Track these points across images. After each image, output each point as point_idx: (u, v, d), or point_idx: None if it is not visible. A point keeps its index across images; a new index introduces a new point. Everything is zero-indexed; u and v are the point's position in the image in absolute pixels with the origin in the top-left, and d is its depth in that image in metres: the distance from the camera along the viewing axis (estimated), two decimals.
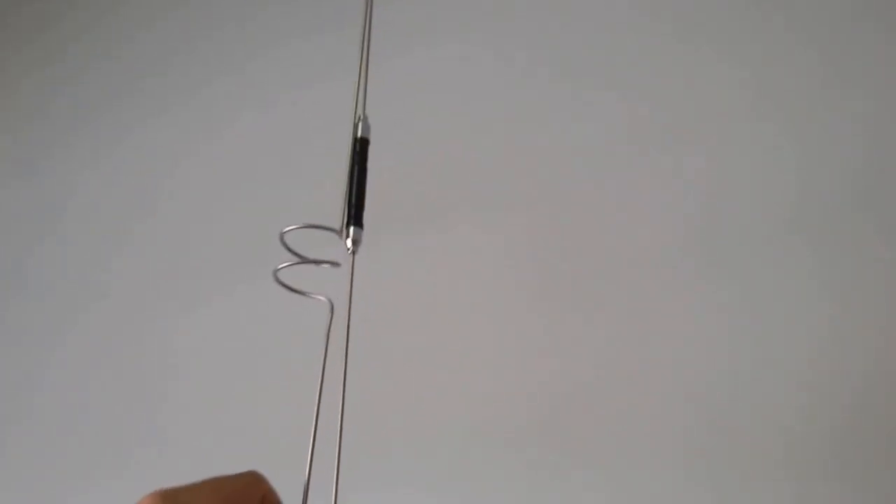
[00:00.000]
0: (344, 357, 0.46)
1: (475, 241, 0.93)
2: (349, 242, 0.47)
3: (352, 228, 0.48)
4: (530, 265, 0.90)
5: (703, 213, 0.85)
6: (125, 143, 1.18)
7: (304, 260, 0.47)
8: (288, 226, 0.47)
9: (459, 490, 0.83)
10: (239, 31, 1.19)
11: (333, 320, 0.47)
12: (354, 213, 0.48)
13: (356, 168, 0.49)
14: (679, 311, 0.82)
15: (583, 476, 0.80)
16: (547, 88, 0.96)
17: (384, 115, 0.60)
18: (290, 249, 0.48)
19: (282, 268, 0.47)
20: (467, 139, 0.97)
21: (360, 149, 0.49)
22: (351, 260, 0.48)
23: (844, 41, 0.85)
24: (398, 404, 0.88)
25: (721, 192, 0.85)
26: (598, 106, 0.93)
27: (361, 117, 0.50)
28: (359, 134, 0.50)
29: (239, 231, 1.05)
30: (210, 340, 1.01)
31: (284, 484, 0.42)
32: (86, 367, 1.07)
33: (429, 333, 0.91)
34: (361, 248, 0.49)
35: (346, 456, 0.45)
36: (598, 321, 0.85)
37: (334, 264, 0.48)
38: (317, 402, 0.44)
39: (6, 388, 1.11)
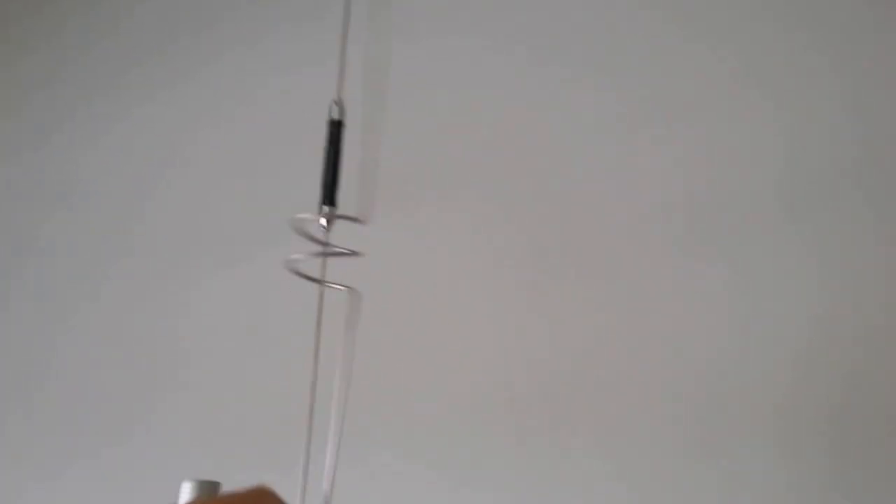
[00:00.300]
0: (318, 340, 0.46)
1: (474, 223, 0.95)
2: (323, 221, 0.49)
3: (325, 208, 0.50)
4: (529, 249, 0.92)
5: (697, 195, 0.87)
6: (123, 135, 1.17)
7: (327, 251, 0.46)
8: (299, 210, 0.46)
9: (458, 464, 0.87)
10: (241, 15, 1.18)
11: (351, 308, 0.46)
12: (328, 193, 0.50)
13: (331, 149, 0.51)
14: (675, 290, 0.85)
15: (583, 449, 0.84)
16: (541, 75, 0.97)
17: (384, 108, 0.61)
18: (309, 237, 0.46)
19: (301, 259, 0.46)
20: (466, 132, 0.98)
21: (334, 131, 0.51)
22: (325, 237, 0.49)
23: (835, 25, 0.86)
24: (395, 392, 0.91)
25: (715, 175, 0.87)
26: (592, 92, 0.94)
27: (337, 101, 0.53)
28: (334, 117, 0.52)
29: (242, 221, 1.05)
30: (214, 329, 1.03)
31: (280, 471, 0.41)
32: (91, 350, 1.08)
33: (428, 321, 0.93)
34: (365, 237, 0.48)
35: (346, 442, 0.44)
36: (595, 300, 0.88)
37: (356, 254, 0.46)
38: (336, 389, 0.44)
39: (5, 380, 1.13)
